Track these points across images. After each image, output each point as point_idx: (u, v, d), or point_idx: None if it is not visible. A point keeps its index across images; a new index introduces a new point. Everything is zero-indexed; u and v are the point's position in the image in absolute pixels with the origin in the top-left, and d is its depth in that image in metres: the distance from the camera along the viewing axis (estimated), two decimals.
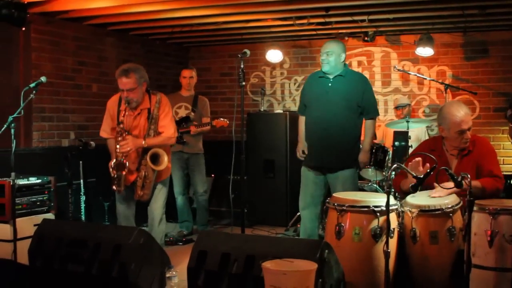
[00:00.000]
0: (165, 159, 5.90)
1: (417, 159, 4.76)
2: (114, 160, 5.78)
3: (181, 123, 8.13)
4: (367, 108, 6.34)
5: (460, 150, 5.13)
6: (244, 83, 5.41)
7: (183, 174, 8.31)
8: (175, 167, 8.21)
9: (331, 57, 6.30)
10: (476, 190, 4.66)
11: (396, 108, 8.65)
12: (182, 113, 8.24)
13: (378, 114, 6.59)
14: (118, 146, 5.76)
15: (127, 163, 5.79)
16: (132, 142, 5.78)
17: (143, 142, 5.81)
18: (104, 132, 6.19)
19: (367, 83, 6.47)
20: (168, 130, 6.00)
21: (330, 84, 6.32)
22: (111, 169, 5.80)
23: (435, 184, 4.72)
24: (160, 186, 6.12)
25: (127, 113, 5.86)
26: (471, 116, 5.13)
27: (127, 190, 5.96)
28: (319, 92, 6.35)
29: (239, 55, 5.48)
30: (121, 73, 5.81)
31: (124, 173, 5.79)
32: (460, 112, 5.07)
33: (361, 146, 6.43)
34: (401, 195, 5.24)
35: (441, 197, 4.73)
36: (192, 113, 8.17)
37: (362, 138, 6.48)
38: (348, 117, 6.27)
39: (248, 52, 5.55)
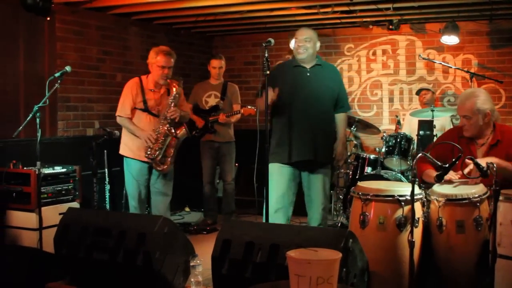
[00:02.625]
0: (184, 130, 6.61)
1: (470, 166, 4.71)
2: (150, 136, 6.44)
3: (210, 112, 8.15)
4: (343, 101, 6.15)
5: (486, 139, 5.08)
6: (268, 72, 5.37)
7: (212, 164, 8.34)
8: (205, 156, 8.25)
9: (309, 44, 5.98)
10: (506, 172, 4.66)
11: (417, 93, 8.61)
12: (212, 101, 8.25)
13: (350, 108, 6.38)
14: (164, 115, 6.50)
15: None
16: (177, 111, 6.50)
17: (182, 113, 6.63)
18: (123, 112, 6.54)
19: (340, 75, 6.33)
20: (186, 107, 6.92)
21: (308, 74, 6.01)
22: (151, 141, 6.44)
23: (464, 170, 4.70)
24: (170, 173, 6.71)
25: (153, 90, 6.56)
26: (470, 107, 4.99)
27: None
28: (297, 83, 5.96)
29: (264, 44, 5.44)
30: (168, 53, 6.56)
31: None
32: (460, 98, 5.19)
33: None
34: (423, 184, 5.20)
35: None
36: (221, 102, 8.17)
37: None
38: (330, 109, 6.05)
39: (273, 41, 5.50)
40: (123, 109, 6.53)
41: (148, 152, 6.40)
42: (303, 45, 5.94)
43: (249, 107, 7.80)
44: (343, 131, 6.17)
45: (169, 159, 6.53)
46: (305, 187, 6.04)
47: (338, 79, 6.21)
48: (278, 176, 5.87)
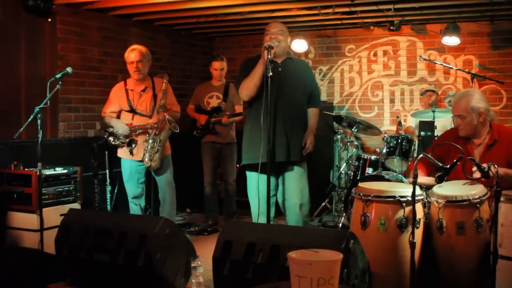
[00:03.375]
0: (177, 125, 6.75)
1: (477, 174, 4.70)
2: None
3: (212, 113, 8.15)
4: (315, 95, 5.93)
5: (483, 139, 5.09)
6: (271, 74, 5.32)
7: (214, 164, 8.34)
8: (206, 157, 8.25)
9: (282, 37, 5.64)
10: (507, 177, 4.69)
11: (422, 94, 8.61)
12: (214, 102, 8.25)
13: (321, 104, 6.15)
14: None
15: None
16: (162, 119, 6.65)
17: (166, 116, 6.66)
18: (104, 111, 6.89)
19: (311, 69, 6.15)
20: (176, 106, 6.97)
21: (280, 69, 5.65)
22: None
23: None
24: (166, 160, 6.93)
25: (133, 90, 6.76)
26: (465, 107, 5.01)
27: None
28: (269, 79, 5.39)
29: (266, 46, 5.39)
30: (132, 48, 6.74)
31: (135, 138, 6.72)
32: (455, 97, 5.19)
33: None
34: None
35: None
36: (223, 103, 8.18)
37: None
38: (304, 105, 5.82)
39: (276, 43, 5.47)
40: (105, 108, 6.87)
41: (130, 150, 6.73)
42: (276, 37, 5.56)
43: (228, 114, 7.85)
44: (313, 123, 5.88)
45: (156, 155, 6.66)
46: (284, 188, 5.82)
47: (310, 73, 6.04)
48: (255, 180, 5.62)
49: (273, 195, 5.74)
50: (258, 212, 5.59)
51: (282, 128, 5.60)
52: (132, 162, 6.78)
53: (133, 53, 6.66)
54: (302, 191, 5.82)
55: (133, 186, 6.86)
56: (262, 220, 5.59)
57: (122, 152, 6.80)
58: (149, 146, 6.62)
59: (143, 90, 6.74)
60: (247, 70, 5.64)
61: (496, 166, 4.14)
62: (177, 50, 9.73)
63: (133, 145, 6.68)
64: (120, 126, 6.65)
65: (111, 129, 6.65)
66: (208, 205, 8.42)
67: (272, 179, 5.63)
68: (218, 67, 8.26)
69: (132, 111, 6.69)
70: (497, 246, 4.13)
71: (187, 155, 8.99)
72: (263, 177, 5.47)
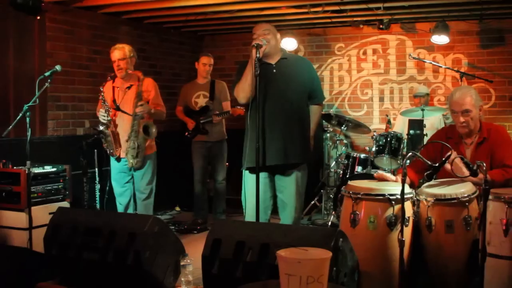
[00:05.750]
0: (154, 130, 6.67)
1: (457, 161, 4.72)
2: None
3: (201, 113, 8.15)
4: (315, 92, 5.70)
5: (474, 138, 5.12)
6: (259, 72, 5.28)
7: (204, 163, 8.35)
8: (197, 155, 8.26)
9: (270, 36, 5.46)
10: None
11: (415, 96, 8.62)
12: (201, 102, 8.25)
13: (324, 98, 6.00)
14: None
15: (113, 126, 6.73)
16: (146, 107, 6.62)
17: (152, 110, 6.71)
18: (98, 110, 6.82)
19: (311, 65, 5.87)
20: (162, 107, 6.92)
21: (274, 71, 5.52)
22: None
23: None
24: (149, 159, 6.79)
25: (119, 87, 6.75)
26: (471, 102, 5.01)
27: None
28: (264, 81, 5.36)
29: (255, 45, 5.35)
30: (115, 47, 6.73)
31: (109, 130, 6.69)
32: (457, 93, 5.11)
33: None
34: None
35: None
36: (211, 101, 8.17)
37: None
38: (303, 105, 5.62)
39: (265, 41, 5.43)
40: (98, 107, 6.86)
41: (110, 151, 6.72)
42: (264, 38, 5.40)
43: (238, 107, 7.79)
44: (314, 125, 5.73)
45: (138, 156, 6.63)
46: (277, 190, 5.67)
47: (309, 69, 5.74)
48: (253, 183, 5.37)
49: (271, 196, 5.63)
50: (253, 215, 5.38)
51: (278, 131, 5.44)
52: (117, 162, 6.77)
53: (116, 52, 6.67)
54: (299, 195, 5.68)
55: (119, 185, 6.84)
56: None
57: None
58: (130, 146, 6.59)
59: (128, 88, 6.72)
60: (241, 73, 5.55)
61: (484, 165, 4.16)
62: (166, 48, 9.72)
63: (103, 137, 6.66)
64: (100, 114, 6.68)
65: (100, 127, 6.63)
66: (197, 203, 8.41)
67: (269, 181, 5.58)
68: (207, 62, 8.28)
69: (117, 108, 6.68)
70: (485, 244, 4.14)
71: (176, 154, 9.00)
72: (263, 179, 5.41)
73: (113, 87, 6.77)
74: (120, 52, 6.66)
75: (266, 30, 5.49)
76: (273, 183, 5.65)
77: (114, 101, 6.71)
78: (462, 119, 5.04)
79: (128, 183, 6.83)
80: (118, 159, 6.71)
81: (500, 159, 4.95)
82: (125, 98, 6.69)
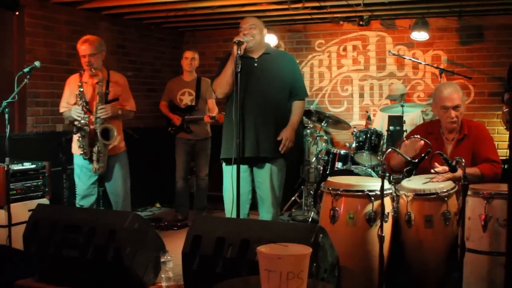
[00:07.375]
0: (115, 133, 6.19)
1: (414, 139, 4.76)
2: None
3: (185, 111, 8.14)
4: (297, 88, 5.71)
5: (455, 134, 5.15)
6: (242, 69, 5.28)
7: (187, 159, 8.33)
8: (180, 151, 8.24)
9: (255, 31, 5.53)
10: (474, 178, 4.75)
11: (389, 98, 8.62)
12: (186, 99, 8.23)
13: (307, 95, 5.99)
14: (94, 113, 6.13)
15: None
16: (110, 109, 6.17)
17: (120, 112, 6.30)
18: (63, 108, 6.43)
19: (295, 61, 5.89)
20: (131, 105, 6.52)
21: (256, 65, 5.58)
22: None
23: (435, 169, 4.73)
24: (116, 161, 6.40)
25: (87, 82, 6.22)
26: (460, 97, 5.09)
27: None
28: (245, 75, 5.39)
29: (236, 41, 5.35)
30: (83, 40, 6.19)
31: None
32: (447, 89, 5.14)
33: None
34: (393, 173, 5.24)
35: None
36: (196, 100, 8.16)
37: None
38: (282, 100, 5.63)
39: (246, 39, 5.43)
40: (61, 103, 6.47)
41: (83, 151, 6.19)
42: (249, 33, 5.48)
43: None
44: (295, 117, 5.70)
45: (101, 160, 6.22)
46: (256, 186, 5.72)
47: (291, 65, 5.75)
48: (229, 176, 5.46)
49: (249, 190, 5.67)
50: (231, 208, 5.45)
51: (252, 124, 5.50)
52: (83, 160, 6.31)
53: (84, 46, 6.13)
54: (276, 189, 5.69)
55: (84, 184, 6.39)
56: (235, 215, 5.42)
57: (76, 148, 6.33)
58: (94, 151, 6.19)
59: (97, 83, 6.24)
60: (223, 67, 5.59)
61: (463, 160, 4.19)
62: (146, 44, 9.68)
63: (79, 134, 6.15)
64: (73, 110, 6.15)
65: (82, 122, 6.49)
66: (178, 199, 8.40)
67: (247, 175, 5.62)
68: (189, 56, 8.26)
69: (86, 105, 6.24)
70: (464, 240, 4.17)
71: (157, 149, 8.98)
72: (241, 173, 5.37)
73: (81, 82, 6.23)
74: (90, 47, 6.13)
75: (252, 25, 5.56)
76: (252, 178, 5.69)
77: (79, 94, 6.18)
78: (453, 114, 5.08)
79: (94, 186, 6.41)
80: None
81: (485, 155, 5.00)
82: (93, 94, 6.23)
